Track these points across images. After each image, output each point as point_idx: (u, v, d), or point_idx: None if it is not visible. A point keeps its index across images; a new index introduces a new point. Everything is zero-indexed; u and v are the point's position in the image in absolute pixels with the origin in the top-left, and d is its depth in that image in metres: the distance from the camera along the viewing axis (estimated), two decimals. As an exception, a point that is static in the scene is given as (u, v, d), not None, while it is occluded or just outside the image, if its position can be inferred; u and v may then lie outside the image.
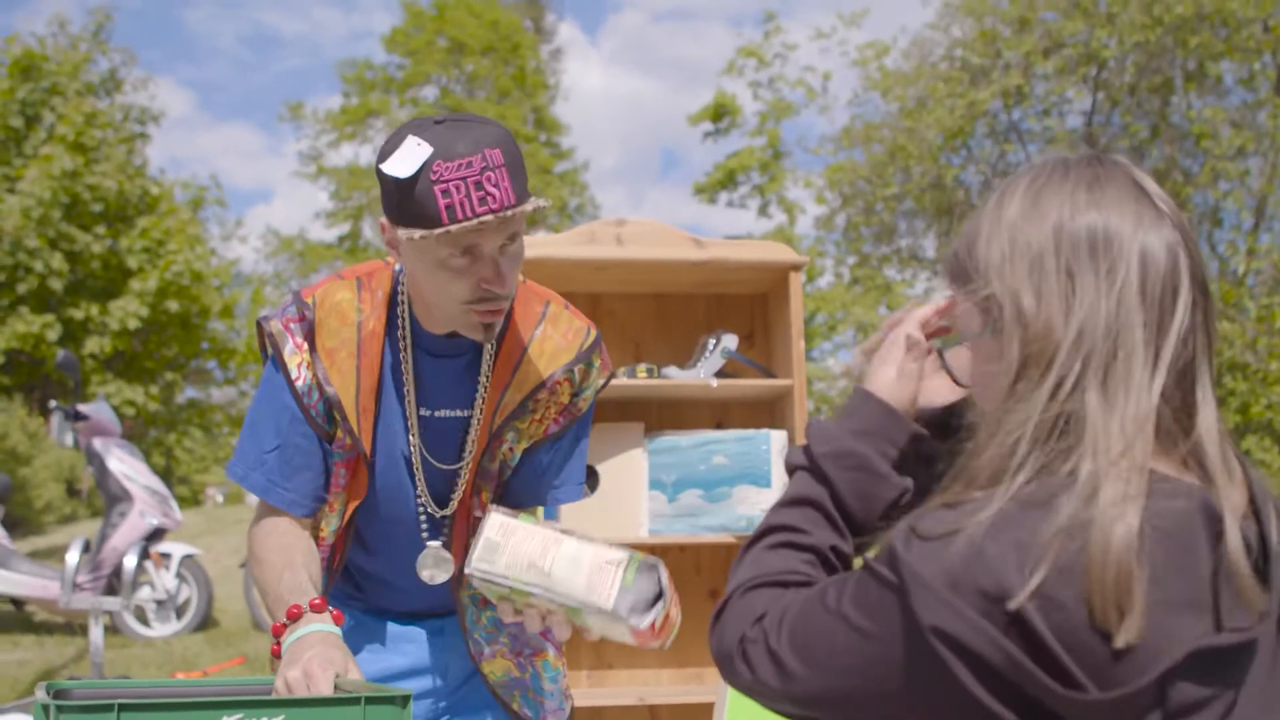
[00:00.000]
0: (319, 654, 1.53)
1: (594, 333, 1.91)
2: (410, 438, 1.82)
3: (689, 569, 3.55)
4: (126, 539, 6.77)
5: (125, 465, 6.98)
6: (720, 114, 24.16)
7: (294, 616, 1.63)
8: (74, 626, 7.37)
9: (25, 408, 13.94)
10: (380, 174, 1.63)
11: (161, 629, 7.23)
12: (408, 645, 1.97)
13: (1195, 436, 1.08)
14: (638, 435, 3.37)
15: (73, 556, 5.58)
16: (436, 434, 1.84)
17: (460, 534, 1.87)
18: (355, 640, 1.91)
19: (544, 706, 1.97)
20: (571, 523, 3.29)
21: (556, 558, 1.48)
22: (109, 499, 6.98)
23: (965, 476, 1.09)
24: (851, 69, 20.91)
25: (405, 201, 1.61)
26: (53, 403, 6.92)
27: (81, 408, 6.90)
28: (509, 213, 1.60)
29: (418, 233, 1.59)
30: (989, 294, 1.14)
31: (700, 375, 3.32)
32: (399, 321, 1.82)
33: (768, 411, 3.54)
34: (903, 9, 26.72)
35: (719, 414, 3.57)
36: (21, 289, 15.40)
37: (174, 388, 18.87)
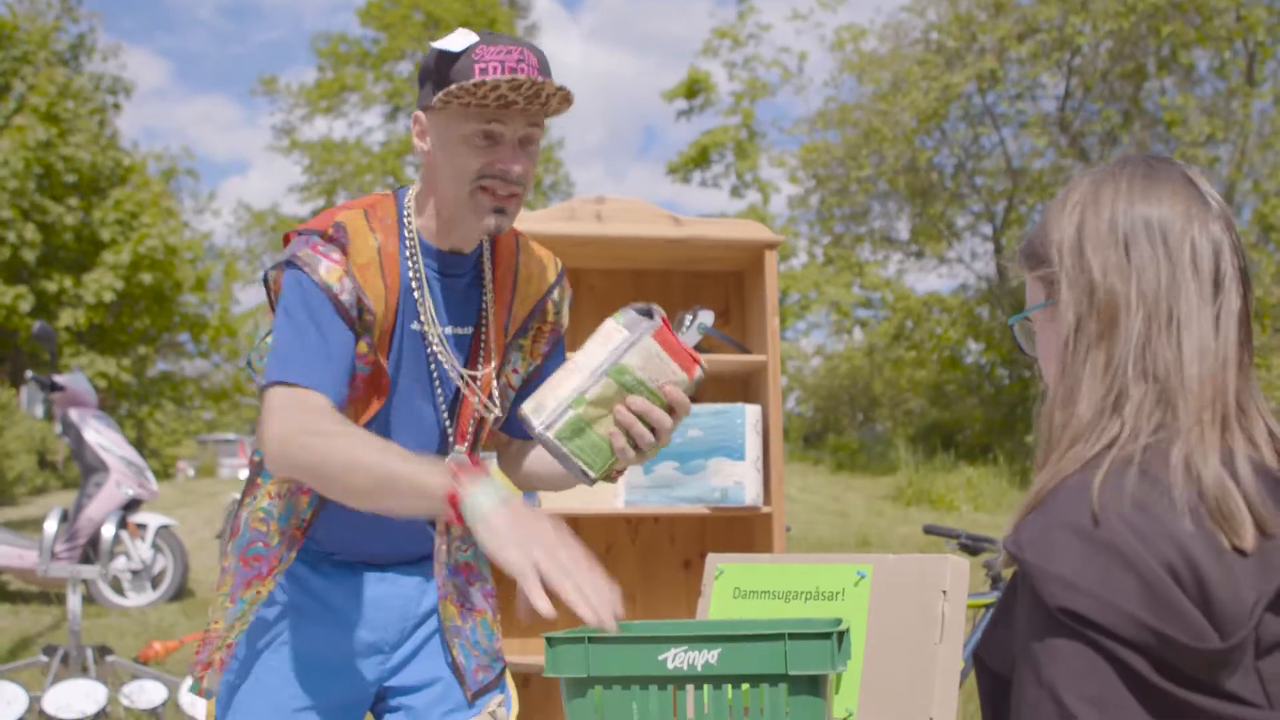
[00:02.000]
0: (558, 537, 1.55)
1: (559, 261, 2.06)
2: (433, 349, 1.89)
3: (664, 540, 3.63)
4: (103, 509, 6.80)
5: (102, 436, 7.01)
6: (694, 91, 24.17)
7: (462, 474, 1.60)
8: (50, 595, 7.40)
9: (-3, 379, 13.90)
10: (429, 53, 1.78)
11: (137, 598, 7.27)
12: (379, 597, 1.99)
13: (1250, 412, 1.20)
14: (616, 408, 3.44)
15: (51, 525, 5.60)
16: (457, 348, 1.93)
17: (470, 445, 1.96)
18: (328, 598, 1.96)
19: (475, 659, 2.03)
20: (548, 494, 3.36)
21: (572, 368, 1.67)
22: (85, 469, 7.00)
23: (1048, 443, 1.22)
24: (828, 51, 20.95)
25: (444, 72, 1.77)
26: (29, 373, 6.92)
27: (58, 378, 6.91)
28: (543, 84, 1.72)
29: (453, 86, 1.72)
30: (1056, 271, 1.26)
31: (677, 350, 3.39)
32: (408, 241, 1.90)
33: (742, 386, 3.62)
34: (879, -9, 26.79)
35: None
36: (-7, 260, 15.32)
37: (146, 361, 18.82)
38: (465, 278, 1.93)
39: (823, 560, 1.83)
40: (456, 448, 1.94)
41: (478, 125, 1.77)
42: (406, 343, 1.89)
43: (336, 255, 1.83)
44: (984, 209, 19.44)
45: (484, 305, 1.94)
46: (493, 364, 1.94)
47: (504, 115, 1.77)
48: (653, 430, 1.72)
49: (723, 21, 23.77)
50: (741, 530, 3.51)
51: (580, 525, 3.59)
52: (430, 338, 1.89)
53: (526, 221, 3.34)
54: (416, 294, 1.88)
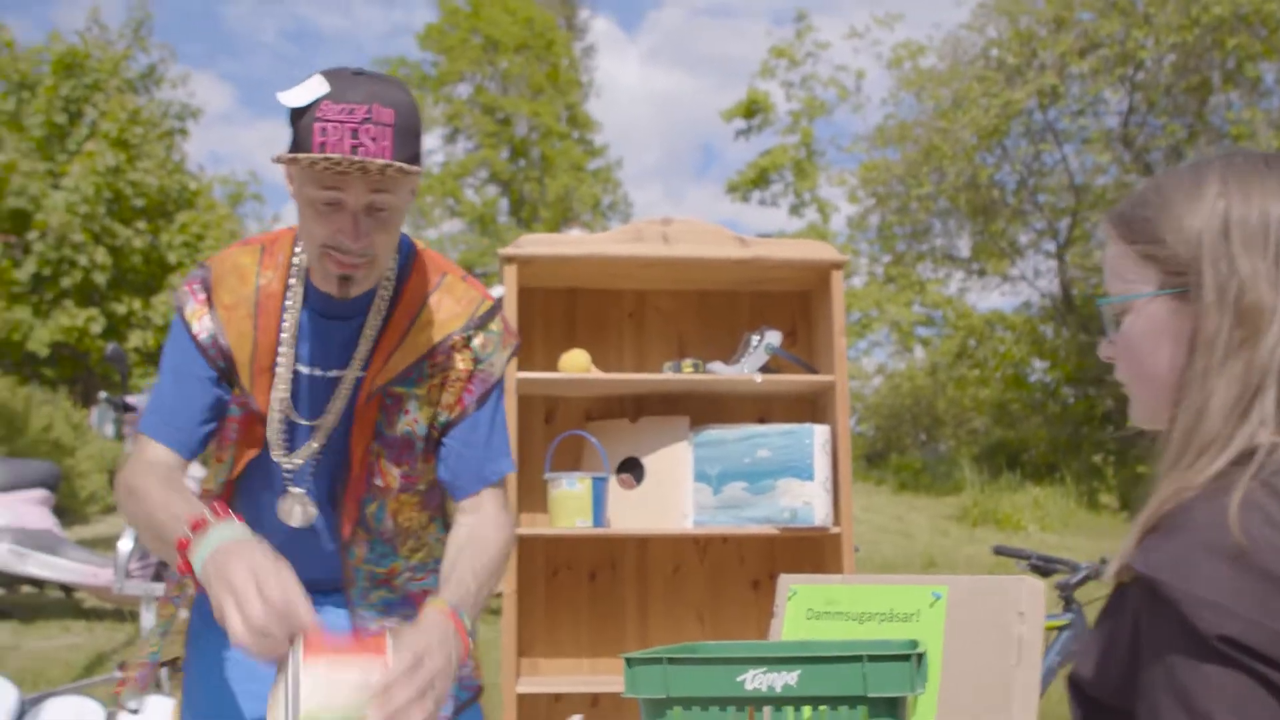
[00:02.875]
0: (256, 554, 1.51)
1: (489, 302, 1.96)
2: (274, 392, 1.86)
3: (733, 560, 3.63)
4: (174, 529, 6.89)
5: (173, 456, 7.10)
6: (753, 111, 24.15)
7: (199, 526, 1.58)
8: (122, 613, 7.50)
9: (70, 400, 14.14)
10: (280, 101, 1.71)
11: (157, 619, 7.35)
12: None
13: None
14: (683, 429, 3.45)
15: (125, 544, 5.68)
16: (317, 391, 1.89)
17: (353, 490, 1.91)
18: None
19: None
20: (617, 514, 3.38)
21: None
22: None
23: (1173, 451, 1.18)
24: (886, 69, 20.87)
25: (293, 130, 1.69)
26: (102, 394, 7.04)
27: (129, 399, 7.01)
28: (365, 163, 1.64)
29: (286, 155, 1.66)
30: (1185, 262, 1.19)
31: (744, 370, 3.40)
32: (291, 282, 1.87)
33: (810, 406, 3.61)
34: (937, 8, 26.66)
35: (762, 409, 3.64)
36: (66, 283, 15.59)
37: (213, 382, 19.02)
38: (354, 320, 1.88)
39: (897, 581, 1.82)
40: (293, 491, 1.91)
41: (318, 191, 1.70)
42: (299, 384, 1.89)
43: (201, 295, 1.86)
44: (1047, 226, 19.23)
45: (360, 348, 1.89)
46: (361, 403, 1.88)
47: (343, 183, 1.69)
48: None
49: (780, 40, 23.77)
50: (811, 551, 3.50)
51: (649, 546, 3.60)
52: (278, 377, 1.86)
53: (593, 244, 3.37)
54: (285, 330, 1.86)
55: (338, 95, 1.66)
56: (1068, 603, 3.94)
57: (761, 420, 3.61)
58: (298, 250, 1.88)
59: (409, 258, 1.94)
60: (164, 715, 4.75)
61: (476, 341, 1.93)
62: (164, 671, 5.12)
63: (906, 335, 21.68)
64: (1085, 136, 17.90)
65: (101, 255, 15.64)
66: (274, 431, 1.87)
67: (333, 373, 1.88)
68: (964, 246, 20.41)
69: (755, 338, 3.43)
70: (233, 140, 48.07)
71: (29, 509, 7.31)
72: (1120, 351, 1.30)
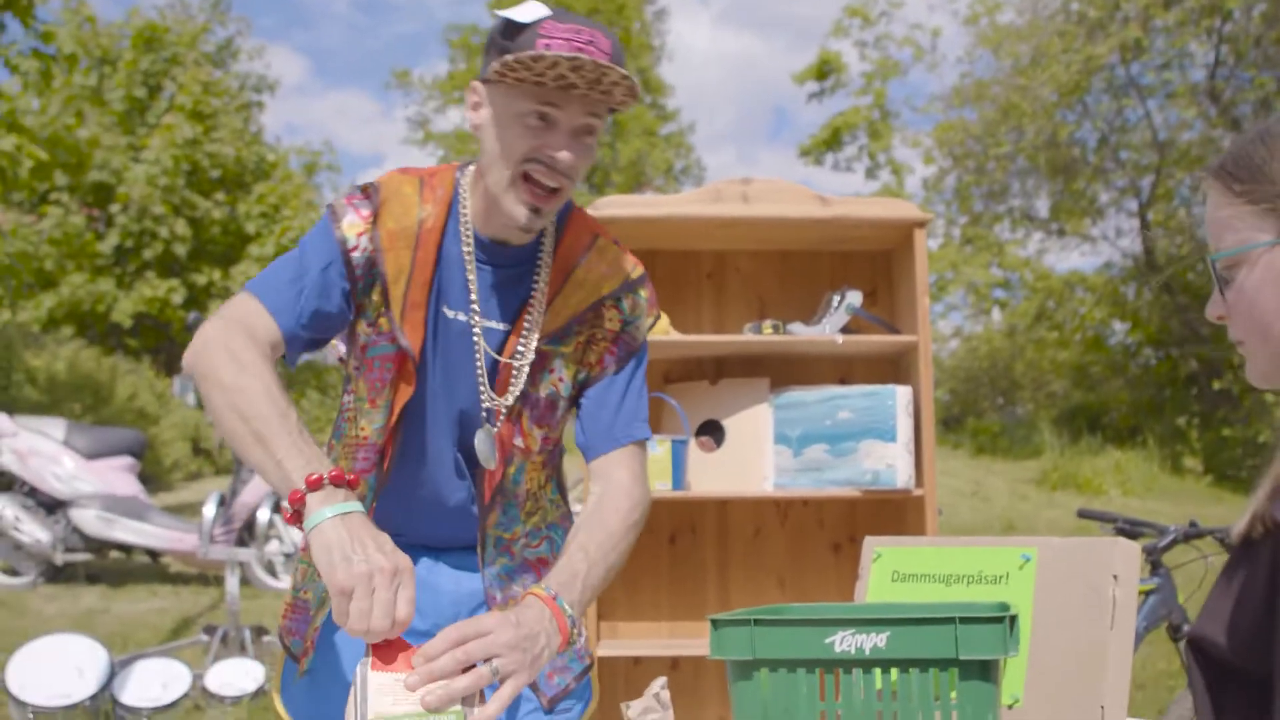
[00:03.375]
0: (394, 552, 1.49)
1: (640, 268, 1.92)
2: (474, 323, 1.81)
3: (813, 523, 3.59)
4: (256, 494, 7.01)
5: (254, 423, 7.20)
6: (825, 73, 23.90)
7: (315, 485, 1.52)
8: (207, 577, 7.66)
9: (153, 369, 14.43)
10: (495, 21, 1.66)
11: (290, 580, 7.48)
12: (434, 583, 1.92)
13: None
14: (763, 390, 3.42)
15: (209, 510, 5.80)
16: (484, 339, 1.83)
17: (501, 448, 1.85)
18: None
19: (551, 663, 1.90)
20: (697, 477, 3.36)
21: None
22: (238, 456, 7.22)
23: None
24: (963, 26, 20.52)
25: (507, 43, 1.65)
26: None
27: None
28: (607, 68, 1.60)
29: (510, 58, 1.61)
30: None
31: (825, 331, 3.35)
32: (460, 222, 1.81)
33: (892, 367, 3.56)
34: (1015, -37, 26.13)
35: (843, 370, 3.60)
36: (147, 255, 15.90)
37: (291, 350, 19.31)
38: (513, 270, 1.83)
39: (985, 543, 1.78)
40: (486, 426, 1.84)
41: (533, 105, 1.66)
42: (442, 328, 1.82)
43: (365, 211, 1.78)
44: (1129, 184, 18.82)
45: (529, 302, 1.83)
46: (521, 355, 1.83)
47: (562, 98, 1.66)
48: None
49: (855, 0, 23.45)
50: (892, 513, 3.46)
51: (729, 508, 3.58)
52: (472, 326, 1.81)
53: (672, 205, 3.34)
54: (469, 277, 1.80)
55: (561, 18, 1.64)
56: (1154, 567, 3.85)
57: (842, 381, 3.57)
58: (460, 189, 1.83)
59: (565, 214, 1.89)
60: (252, 678, 4.84)
61: (626, 303, 1.89)
62: (247, 634, 5.22)
63: (984, 297, 21.41)
64: (1170, 91, 17.46)
65: (181, 227, 15.91)
66: (481, 375, 1.82)
67: (498, 324, 1.83)
68: (1043, 207, 20.06)
69: (836, 298, 3.38)
70: (307, 111, 48.60)
71: (116, 476, 7.48)
72: (1235, 308, 1.25)
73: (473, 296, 1.81)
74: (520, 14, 1.65)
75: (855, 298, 3.35)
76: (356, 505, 1.52)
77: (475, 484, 1.88)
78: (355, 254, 1.77)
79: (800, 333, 3.38)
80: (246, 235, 16.86)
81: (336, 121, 49.82)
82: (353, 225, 1.77)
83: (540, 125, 1.68)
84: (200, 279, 16.39)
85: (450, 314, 1.82)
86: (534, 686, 1.93)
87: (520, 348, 1.83)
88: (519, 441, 1.87)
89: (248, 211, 16.84)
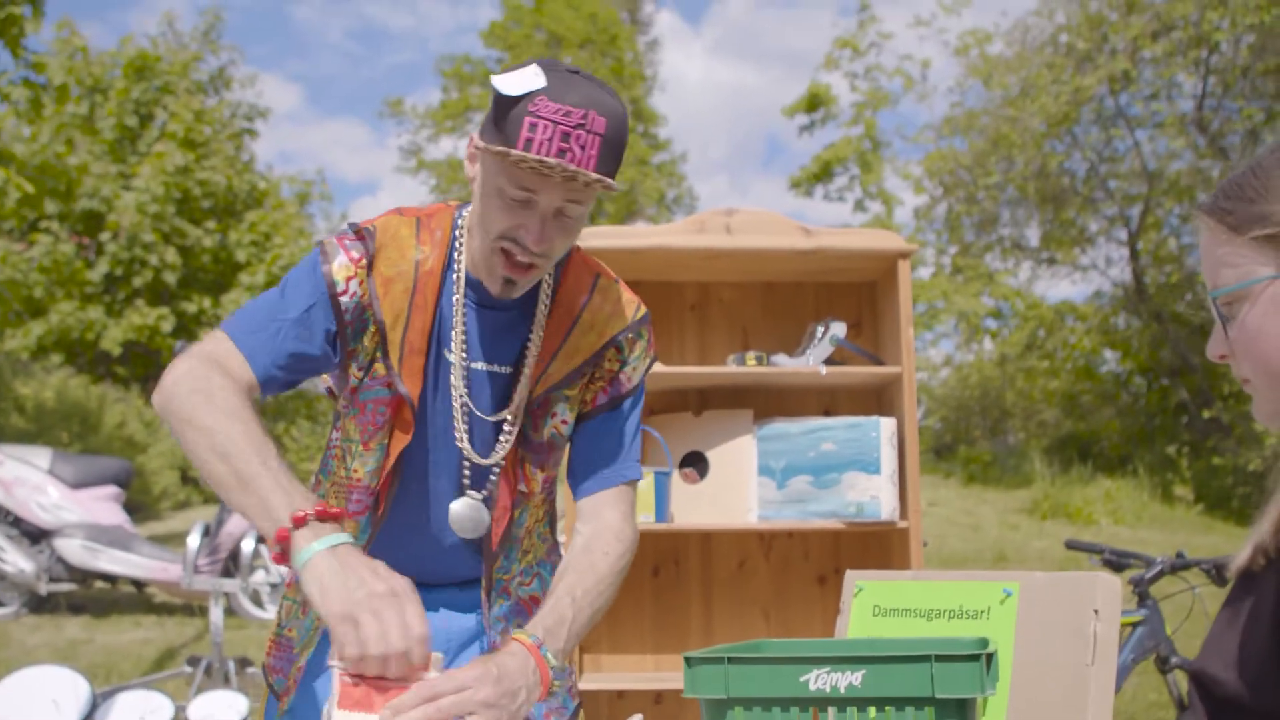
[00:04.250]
0: (395, 584, 1.46)
1: (644, 309, 1.90)
2: (454, 382, 1.78)
3: (798, 555, 3.57)
4: (241, 524, 6.97)
5: (241, 452, 7.17)
6: (815, 105, 24.01)
7: (301, 522, 1.49)
8: (192, 608, 7.61)
9: (142, 398, 14.38)
10: (492, 84, 1.62)
11: (275, 611, 7.43)
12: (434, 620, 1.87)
13: None
14: (747, 422, 3.40)
15: (193, 540, 5.76)
16: (477, 386, 1.81)
17: (503, 496, 1.83)
18: None
19: (544, 704, 1.92)
20: (681, 509, 3.34)
21: None
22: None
23: None
24: (953, 57, 20.62)
25: (499, 118, 1.61)
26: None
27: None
28: (576, 173, 1.58)
29: (493, 146, 1.60)
30: None
31: (809, 363, 3.34)
32: (455, 265, 1.79)
33: (876, 399, 3.55)
34: (1004, -6, 26.30)
35: (827, 401, 3.59)
36: (137, 283, 15.86)
37: (282, 379, 19.27)
38: (510, 312, 1.81)
39: (967, 578, 1.77)
40: (470, 494, 1.82)
41: (511, 185, 1.63)
42: (444, 372, 1.79)
43: (357, 254, 1.74)
44: (1118, 213, 18.90)
45: (526, 346, 1.81)
46: (513, 407, 1.81)
47: (539, 184, 1.62)
48: None
49: (845, 31, 23.58)
50: (877, 545, 3.44)
51: (713, 541, 3.56)
52: (454, 370, 1.78)
53: (657, 236, 3.33)
54: (455, 321, 1.77)
55: (555, 94, 1.59)
56: (1142, 598, 3.84)
57: (827, 413, 3.56)
58: (458, 231, 1.81)
59: (566, 256, 1.86)
60: (235, 710, 4.79)
61: (626, 346, 1.88)
62: (231, 666, 5.18)
63: (975, 327, 21.45)
64: (1158, 121, 17.56)
65: (171, 255, 15.89)
66: (460, 429, 1.79)
67: (482, 365, 1.81)
68: (1033, 236, 20.13)
69: (820, 329, 3.37)
70: (300, 139, 48.67)
71: (101, 505, 7.44)
72: (1239, 345, 1.21)
73: (462, 352, 1.79)
74: (511, 86, 1.60)
75: (839, 329, 3.34)
76: (345, 537, 1.50)
77: (487, 534, 1.86)
78: (344, 298, 1.74)
79: (784, 364, 3.37)
80: (237, 263, 16.83)
81: (330, 150, 49.92)
82: (343, 268, 1.74)
83: (517, 205, 1.65)
84: (190, 307, 16.36)
85: (451, 357, 1.80)
86: None
87: (516, 397, 1.82)
88: (522, 487, 1.85)
89: (239, 240, 16.82)
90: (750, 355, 3.36)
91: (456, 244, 1.80)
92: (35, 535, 7.26)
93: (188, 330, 16.23)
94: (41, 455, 7.46)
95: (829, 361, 3.38)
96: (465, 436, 1.80)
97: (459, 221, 1.81)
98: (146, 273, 15.83)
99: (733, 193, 47.92)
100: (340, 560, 1.46)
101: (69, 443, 11.34)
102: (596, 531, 1.83)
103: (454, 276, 1.78)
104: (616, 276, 1.92)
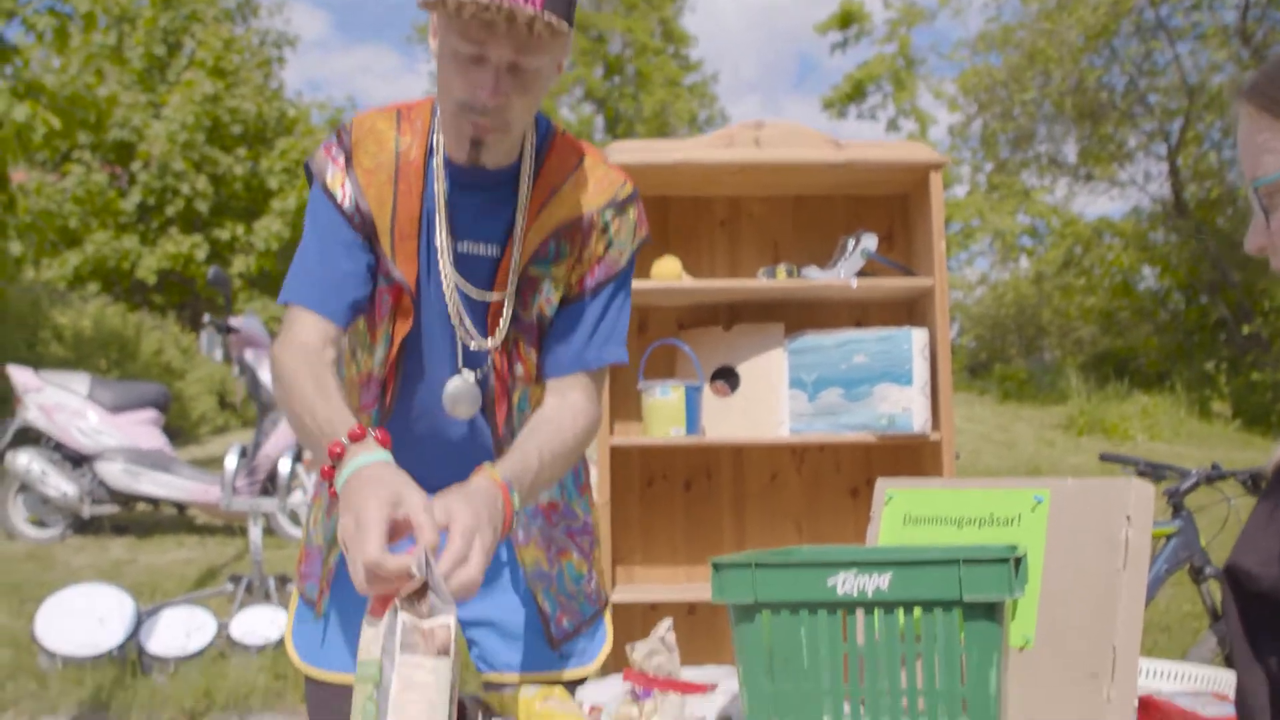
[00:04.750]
0: (369, 493, 1.39)
1: (630, 186, 1.87)
2: (443, 265, 1.78)
3: (829, 468, 3.58)
4: (279, 446, 7.04)
5: (276, 376, 7.23)
6: (848, 21, 23.65)
7: (337, 455, 1.50)
8: (232, 529, 7.72)
9: (178, 325, 14.50)
10: None
11: (306, 528, 7.53)
12: None
13: None
14: (778, 335, 3.39)
15: (231, 461, 5.82)
16: (468, 268, 1.80)
17: (501, 379, 1.83)
18: None
19: (560, 605, 1.93)
20: (712, 423, 3.34)
21: None
22: (261, 408, 7.25)
23: None
24: (988, -31, 20.22)
25: None
26: (206, 316, 7.19)
27: (233, 321, 7.15)
28: (514, 11, 1.54)
29: (437, 7, 1.58)
30: None
31: (840, 275, 3.32)
32: (435, 151, 1.78)
33: (907, 311, 3.52)
34: (1042, -97, 25.69)
35: (858, 314, 3.56)
36: (170, 211, 15.93)
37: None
38: (493, 192, 1.79)
39: (998, 485, 1.76)
40: (464, 371, 1.82)
41: (461, 43, 1.61)
42: (435, 258, 1.79)
43: (340, 159, 1.77)
44: (1157, 128, 18.59)
45: (513, 224, 1.80)
46: (502, 286, 1.80)
47: (486, 36, 1.59)
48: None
49: (878, -55, 23.15)
50: (909, 458, 3.44)
51: (744, 454, 3.57)
52: (442, 253, 1.77)
53: (685, 150, 3.30)
54: (437, 204, 1.77)
55: None
56: (1176, 509, 3.82)
57: (858, 326, 3.54)
58: (437, 120, 1.80)
59: (548, 137, 1.85)
60: (276, 626, 4.88)
61: (613, 225, 1.85)
62: (271, 583, 5.26)
63: (1010, 245, 21.26)
64: (1200, 33, 17.19)
65: (203, 183, 15.93)
66: (454, 310, 1.79)
67: (470, 246, 1.80)
68: (1070, 152, 19.85)
69: (851, 242, 3.34)
70: (328, 66, 48.45)
71: (140, 429, 7.53)
72: (1278, 238, 1.16)
73: (449, 235, 1.79)
74: None
75: (870, 241, 3.31)
76: (364, 459, 1.48)
77: (488, 417, 1.86)
78: (345, 204, 1.76)
79: (815, 277, 3.35)
80: (269, 190, 16.85)
81: (359, 76, 49.72)
82: (334, 177, 1.78)
83: (470, 63, 1.63)
84: (224, 234, 16.42)
85: (439, 241, 1.80)
86: (545, 627, 1.92)
87: (505, 275, 1.80)
88: (519, 369, 1.85)
89: (270, 167, 16.83)
90: (781, 269, 3.34)
91: (436, 131, 1.80)
92: (76, 460, 7.37)
93: (221, 257, 16.31)
94: (80, 381, 7.54)
95: (860, 274, 3.35)
96: (460, 319, 1.80)
97: (438, 110, 1.80)
98: (179, 201, 15.88)
99: (765, 113, 47.50)
100: (349, 486, 1.45)
101: (107, 370, 11.46)
102: (562, 405, 1.81)
103: (435, 162, 1.79)
104: (605, 158, 1.90)
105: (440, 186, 1.78)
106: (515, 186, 1.80)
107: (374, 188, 1.76)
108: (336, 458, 1.49)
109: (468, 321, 1.80)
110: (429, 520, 1.37)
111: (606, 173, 1.86)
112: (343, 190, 1.77)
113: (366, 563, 1.32)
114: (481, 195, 1.80)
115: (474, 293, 1.80)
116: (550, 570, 1.93)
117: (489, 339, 1.81)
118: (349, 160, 1.78)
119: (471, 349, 1.82)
